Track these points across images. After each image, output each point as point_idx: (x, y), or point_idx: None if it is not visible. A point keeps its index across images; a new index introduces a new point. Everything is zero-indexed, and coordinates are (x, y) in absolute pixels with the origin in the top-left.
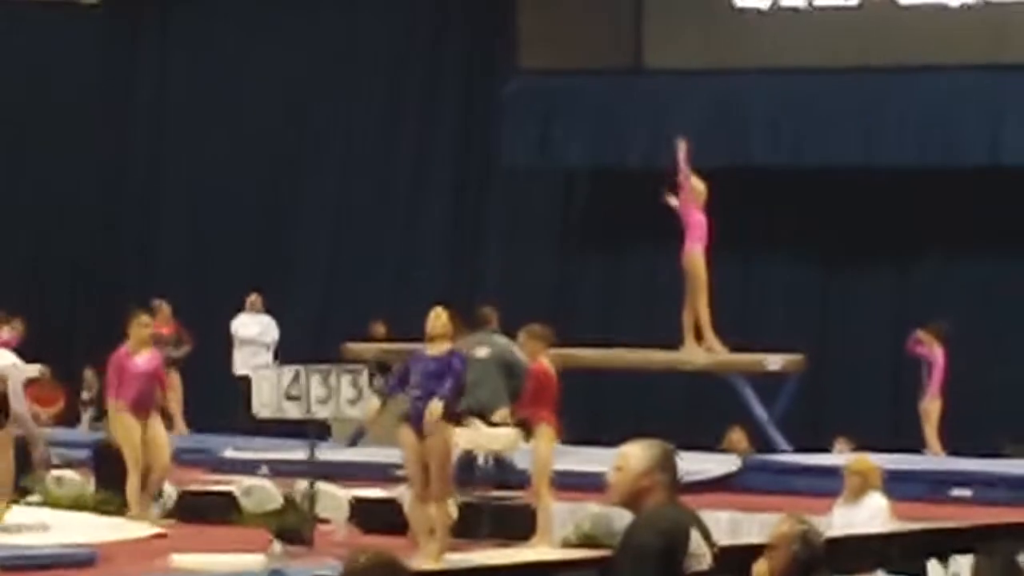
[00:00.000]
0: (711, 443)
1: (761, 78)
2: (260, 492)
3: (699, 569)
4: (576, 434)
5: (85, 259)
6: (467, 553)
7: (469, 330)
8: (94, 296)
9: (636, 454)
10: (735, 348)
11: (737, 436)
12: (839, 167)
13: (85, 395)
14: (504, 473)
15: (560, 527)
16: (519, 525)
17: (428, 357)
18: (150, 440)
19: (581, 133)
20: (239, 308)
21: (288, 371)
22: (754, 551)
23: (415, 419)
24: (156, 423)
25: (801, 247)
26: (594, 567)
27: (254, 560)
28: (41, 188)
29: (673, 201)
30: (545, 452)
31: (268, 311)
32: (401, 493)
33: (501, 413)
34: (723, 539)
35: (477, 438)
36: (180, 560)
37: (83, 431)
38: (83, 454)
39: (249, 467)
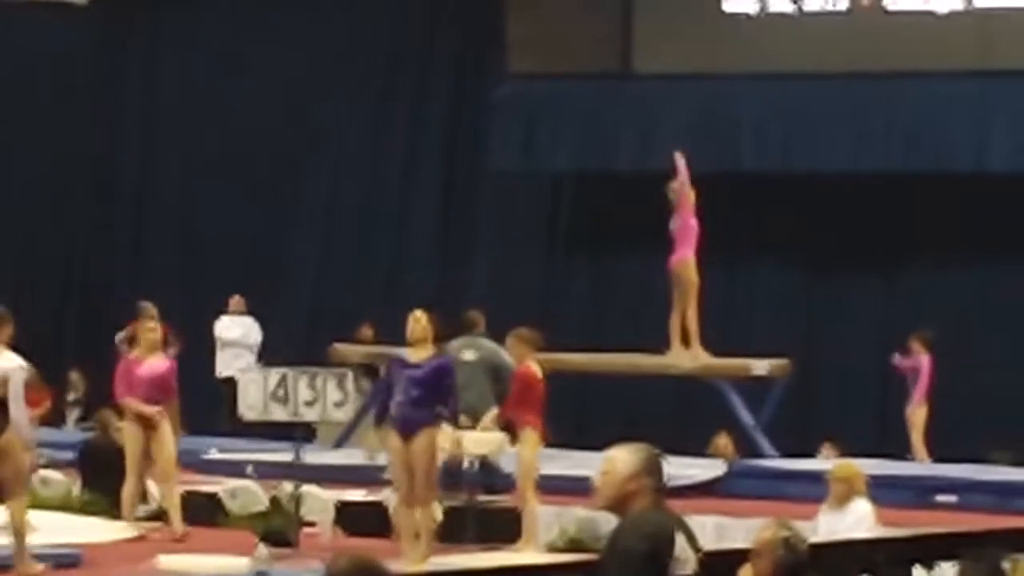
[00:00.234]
0: (697, 448)
1: (750, 83)
2: (246, 494)
3: (684, 573)
4: (562, 438)
5: (74, 260)
6: (452, 557)
7: (455, 333)
8: (82, 297)
9: (622, 458)
10: (722, 353)
11: (723, 441)
12: (827, 172)
13: (71, 396)
14: (490, 477)
15: (546, 531)
16: (505, 529)
17: (411, 363)
18: (156, 446)
19: (570, 137)
20: (224, 310)
21: (275, 374)
22: (740, 556)
23: (400, 424)
24: (164, 429)
25: (789, 252)
26: (580, 571)
27: (239, 562)
28: (30, 188)
29: (673, 224)
30: (529, 456)
31: (252, 313)
32: (387, 496)
33: (488, 416)
34: (709, 544)
35: (463, 442)
36: (166, 561)
37: (69, 432)
38: (69, 455)
39: (235, 469)
